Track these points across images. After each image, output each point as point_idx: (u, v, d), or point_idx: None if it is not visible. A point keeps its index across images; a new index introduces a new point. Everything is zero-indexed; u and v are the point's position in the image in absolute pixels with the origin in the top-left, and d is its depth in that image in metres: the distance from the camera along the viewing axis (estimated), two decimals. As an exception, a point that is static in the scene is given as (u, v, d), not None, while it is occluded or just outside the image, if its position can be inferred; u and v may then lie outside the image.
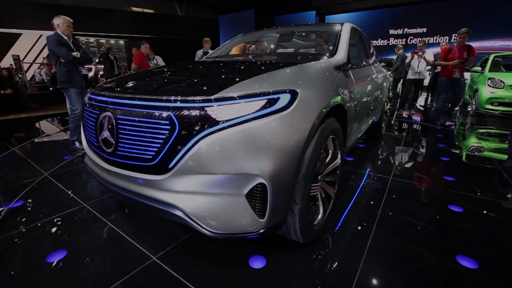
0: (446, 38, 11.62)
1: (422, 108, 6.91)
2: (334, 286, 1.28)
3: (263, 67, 1.51)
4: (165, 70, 1.75)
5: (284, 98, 1.16)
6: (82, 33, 12.43)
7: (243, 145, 1.06)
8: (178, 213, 1.14)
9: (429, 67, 6.12)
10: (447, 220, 1.86)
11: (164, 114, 1.10)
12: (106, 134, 1.30)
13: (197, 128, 1.06)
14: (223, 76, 1.43)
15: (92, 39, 13.97)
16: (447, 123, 4.91)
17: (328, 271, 1.38)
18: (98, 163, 1.41)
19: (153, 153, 1.14)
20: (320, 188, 1.56)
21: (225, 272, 1.38)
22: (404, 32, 12.69)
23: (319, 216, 1.55)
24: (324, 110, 1.33)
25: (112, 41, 14.93)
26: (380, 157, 3.19)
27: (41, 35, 11.92)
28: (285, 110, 1.14)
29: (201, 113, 1.07)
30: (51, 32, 3.19)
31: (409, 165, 2.96)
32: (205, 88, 1.20)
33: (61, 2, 11.86)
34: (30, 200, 2.13)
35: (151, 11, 14.92)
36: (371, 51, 3.50)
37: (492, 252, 1.55)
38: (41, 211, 1.96)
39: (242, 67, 1.71)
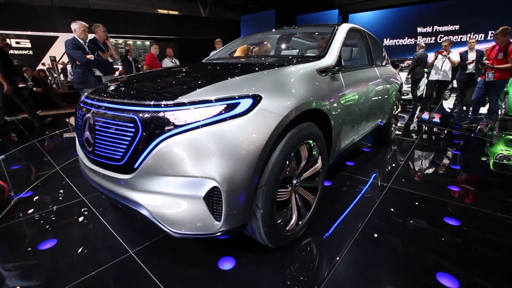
0: (481, 36, 10.77)
1: (448, 111, 6.47)
2: (297, 293, 1.27)
3: (236, 71, 1.52)
4: (147, 75, 1.82)
5: (245, 103, 1.17)
6: (112, 35, 13.16)
7: (199, 149, 1.09)
8: (144, 211, 1.20)
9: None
10: (439, 233, 1.76)
11: (129, 117, 1.16)
12: (87, 134, 1.39)
13: (157, 131, 1.11)
14: (193, 81, 1.46)
15: (120, 40, 14.74)
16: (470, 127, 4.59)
17: (297, 275, 1.36)
18: (84, 161, 1.52)
19: (122, 153, 1.21)
20: (295, 194, 1.54)
21: (193, 272, 1.42)
22: (434, 30, 11.92)
23: (292, 222, 1.53)
24: (293, 115, 1.31)
25: (139, 42, 15.67)
26: (383, 162, 3.06)
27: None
28: (245, 115, 1.15)
29: (162, 117, 1.11)
30: None
31: (413, 172, 2.81)
32: (169, 93, 1.24)
33: (93, 6, 12.67)
34: (38, 192, 2.33)
35: (176, 12, 15.42)
36: (382, 52, 3.36)
37: (480, 271, 1.43)
38: (44, 202, 2.14)
39: (216, 71, 1.74)
